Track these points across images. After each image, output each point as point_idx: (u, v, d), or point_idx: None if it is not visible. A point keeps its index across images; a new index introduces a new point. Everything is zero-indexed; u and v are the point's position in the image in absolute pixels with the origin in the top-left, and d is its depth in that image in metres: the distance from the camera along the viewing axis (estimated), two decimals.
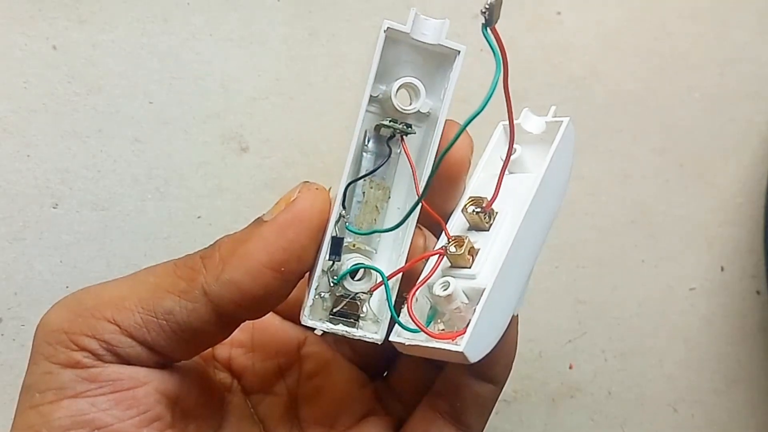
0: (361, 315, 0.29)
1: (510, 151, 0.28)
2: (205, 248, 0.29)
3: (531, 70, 0.52)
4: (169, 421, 0.28)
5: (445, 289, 0.27)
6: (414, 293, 0.28)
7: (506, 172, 0.31)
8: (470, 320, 0.27)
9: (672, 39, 0.54)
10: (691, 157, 0.53)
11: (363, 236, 0.30)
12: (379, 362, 0.35)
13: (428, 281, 0.29)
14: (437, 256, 0.29)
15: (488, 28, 0.25)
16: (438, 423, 0.32)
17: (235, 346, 0.34)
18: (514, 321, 0.31)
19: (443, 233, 0.30)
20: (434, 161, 0.29)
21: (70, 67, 0.47)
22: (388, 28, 0.28)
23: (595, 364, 0.51)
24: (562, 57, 0.52)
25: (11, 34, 0.47)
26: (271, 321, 0.35)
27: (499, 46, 0.26)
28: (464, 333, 0.27)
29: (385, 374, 0.36)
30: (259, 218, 0.29)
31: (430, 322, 0.29)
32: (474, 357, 0.27)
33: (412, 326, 0.27)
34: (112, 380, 0.27)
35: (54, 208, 0.47)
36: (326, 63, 0.50)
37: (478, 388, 0.31)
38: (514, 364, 0.32)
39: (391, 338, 0.28)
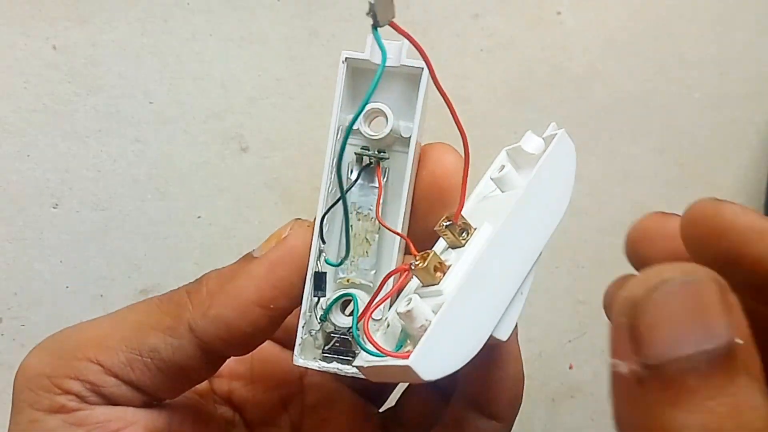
0: (357, 351, 0.28)
1: (467, 159, 0.27)
2: (191, 283, 0.28)
3: (531, 70, 0.52)
4: None
5: (407, 305, 0.26)
6: (371, 312, 0.27)
7: (498, 190, 0.30)
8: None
9: (672, 39, 0.54)
10: (691, 157, 0.53)
11: (360, 270, 0.29)
12: (384, 391, 0.35)
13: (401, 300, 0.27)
14: (407, 273, 0.27)
15: (378, 29, 0.23)
16: None
17: (235, 379, 0.33)
18: (508, 352, 0.29)
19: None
20: (410, 180, 0.28)
21: (70, 67, 0.47)
22: (346, 58, 0.27)
23: (595, 364, 0.51)
24: (562, 57, 0.52)
25: (11, 34, 0.47)
26: (270, 350, 0.33)
27: (408, 37, 0.24)
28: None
29: (395, 403, 0.35)
30: (248, 254, 0.28)
31: (401, 345, 0.27)
32: (427, 374, 0.24)
33: (372, 348, 0.26)
34: (100, 422, 0.26)
35: (54, 208, 0.47)
36: (326, 63, 0.50)
37: (482, 425, 0.30)
38: None
39: (354, 363, 0.27)
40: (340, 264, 0.29)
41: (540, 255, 0.29)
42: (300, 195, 0.49)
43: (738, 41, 0.54)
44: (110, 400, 0.27)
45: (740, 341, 0.19)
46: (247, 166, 0.49)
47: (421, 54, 0.24)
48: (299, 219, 0.29)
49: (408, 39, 0.24)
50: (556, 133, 0.29)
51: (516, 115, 0.51)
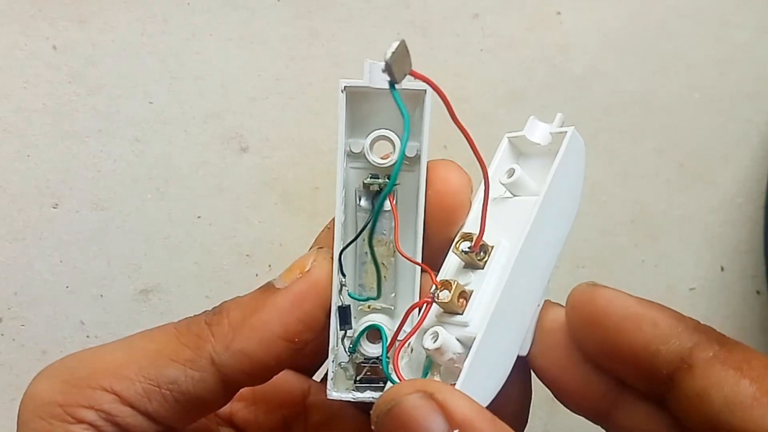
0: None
1: (487, 192, 0.26)
2: (210, 313, 0.28)
3: (531, 70, 0.52)
4: None
5: (434, 341, 0.25)
6: (399, 351, 0.27)
7: (510, 195, 0.29)
8: (458, 377, 0.24)
9: (672, 39, 0.53)
10: (691, 157, 0.53)
11: (381, 295, 0.29)
12: None
13: (423, 329, 0.27)
14: (429, 305, 0.27)
15: (395, 86, 0.22)
16: None
17: (237, 400, 0.33)
18: (523, 364, 0.29)
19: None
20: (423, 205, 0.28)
21: (70, 67, 0.47)
22: (345, 87, 0.26)
23: None
24: (562, 57, 0.52)
25: (11, 34, 0.47)
26: None
27: (429, 83, 0.23)
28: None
29: None
30: (269, 284, 0.28)
31: (427, 373, 0.27)
32: None
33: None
34: None
35: (54, 208, 0.47)
36: (326, 63, 0.50)
37: None
38: None
39: None
40: (366, 300, 0.29)
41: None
42: (300, 195, 0.49)
43: (738, 41, 0.54)
44: (124, 429, 0.26)
45: None
46: (247, 166, 0.49)
47: (442, 99, 0.23)
48: (321, 248, 0.28)
49: (431, 86, 0.23)
50: (566, 131, 0.28)
51: (516, 115, 0.51)
